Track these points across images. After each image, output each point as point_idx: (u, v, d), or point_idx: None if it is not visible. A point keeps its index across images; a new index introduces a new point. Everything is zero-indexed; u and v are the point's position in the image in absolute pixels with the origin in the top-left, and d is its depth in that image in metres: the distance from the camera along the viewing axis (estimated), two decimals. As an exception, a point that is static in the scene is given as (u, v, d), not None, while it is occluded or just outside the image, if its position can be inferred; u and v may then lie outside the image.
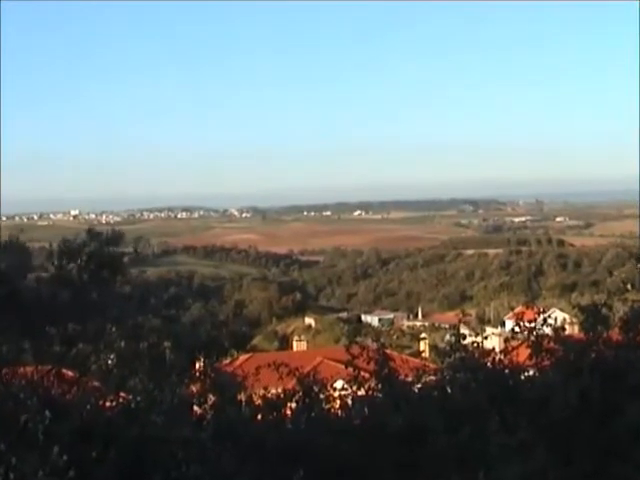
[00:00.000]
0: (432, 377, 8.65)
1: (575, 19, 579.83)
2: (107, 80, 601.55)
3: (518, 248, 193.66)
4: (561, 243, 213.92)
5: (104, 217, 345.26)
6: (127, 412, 7.19)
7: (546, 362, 8.32)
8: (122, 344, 8.85)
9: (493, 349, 8.61)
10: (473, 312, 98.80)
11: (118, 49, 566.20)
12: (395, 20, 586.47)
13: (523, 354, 8.55)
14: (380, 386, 8.42)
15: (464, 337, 8.61)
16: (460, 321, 9.04)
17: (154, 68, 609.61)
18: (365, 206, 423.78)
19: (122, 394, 7.56)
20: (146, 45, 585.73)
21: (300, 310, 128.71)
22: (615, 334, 8.67)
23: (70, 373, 8.00)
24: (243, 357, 53.15)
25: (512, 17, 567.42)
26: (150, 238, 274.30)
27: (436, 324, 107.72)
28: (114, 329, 9.33)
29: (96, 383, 7.89)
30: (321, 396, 8.53)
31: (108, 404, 7.36)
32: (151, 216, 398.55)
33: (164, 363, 9.07)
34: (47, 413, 6.45)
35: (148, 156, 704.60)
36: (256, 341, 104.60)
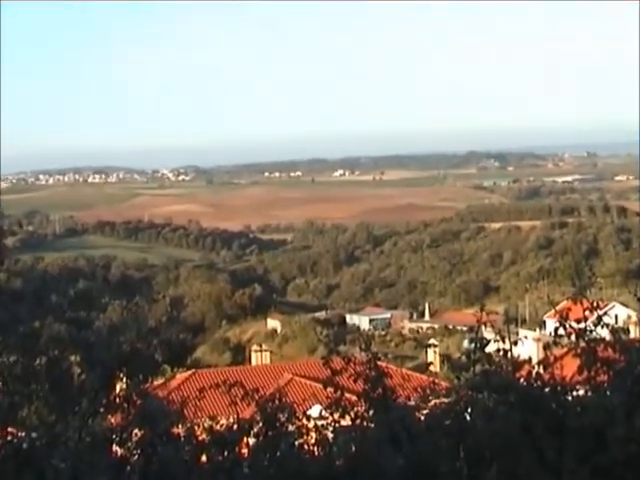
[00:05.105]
0: (444, 399, 8.68)
1: None
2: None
3: (563, 219, 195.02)
4: (623, 211, 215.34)
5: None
6: (17, 454, 7.15)
7: (602, 377, 8.37)
8: (9, 360, 8.80)
9: (529, 360, 8.65)
10: (500, 309, 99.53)
11: None
12: None
13: (570, 366, 8.59)
14: (372, 413, 8.44)
15: (488, 343, 8.63)
16: (482, 321, 9.06)
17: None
18: (350, 164, 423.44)
19: (10, 429, 7.53)
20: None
21: (261, 309, 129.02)
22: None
23: None
24: (182, 375, 53.35)
25: None
26: (49, 211, 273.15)
27: (449, 326, 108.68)
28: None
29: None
30: (290, 428, 8.54)
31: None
32: (50, 181, 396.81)
33: (70, 385, 9.04)
34: None
35: (47, 97, 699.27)
36: (200, 353, 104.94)
